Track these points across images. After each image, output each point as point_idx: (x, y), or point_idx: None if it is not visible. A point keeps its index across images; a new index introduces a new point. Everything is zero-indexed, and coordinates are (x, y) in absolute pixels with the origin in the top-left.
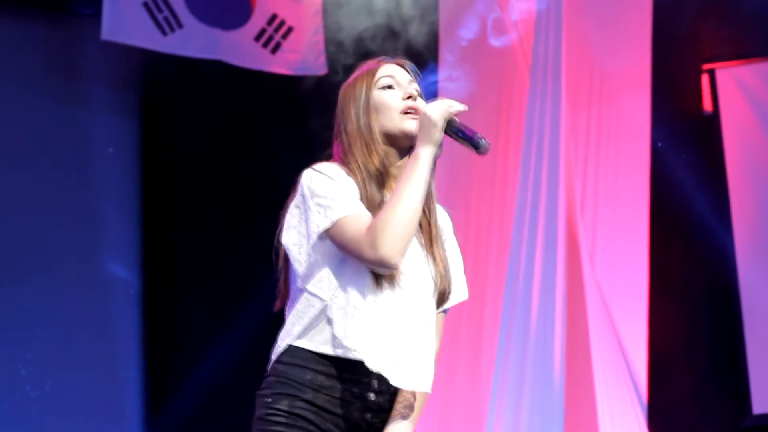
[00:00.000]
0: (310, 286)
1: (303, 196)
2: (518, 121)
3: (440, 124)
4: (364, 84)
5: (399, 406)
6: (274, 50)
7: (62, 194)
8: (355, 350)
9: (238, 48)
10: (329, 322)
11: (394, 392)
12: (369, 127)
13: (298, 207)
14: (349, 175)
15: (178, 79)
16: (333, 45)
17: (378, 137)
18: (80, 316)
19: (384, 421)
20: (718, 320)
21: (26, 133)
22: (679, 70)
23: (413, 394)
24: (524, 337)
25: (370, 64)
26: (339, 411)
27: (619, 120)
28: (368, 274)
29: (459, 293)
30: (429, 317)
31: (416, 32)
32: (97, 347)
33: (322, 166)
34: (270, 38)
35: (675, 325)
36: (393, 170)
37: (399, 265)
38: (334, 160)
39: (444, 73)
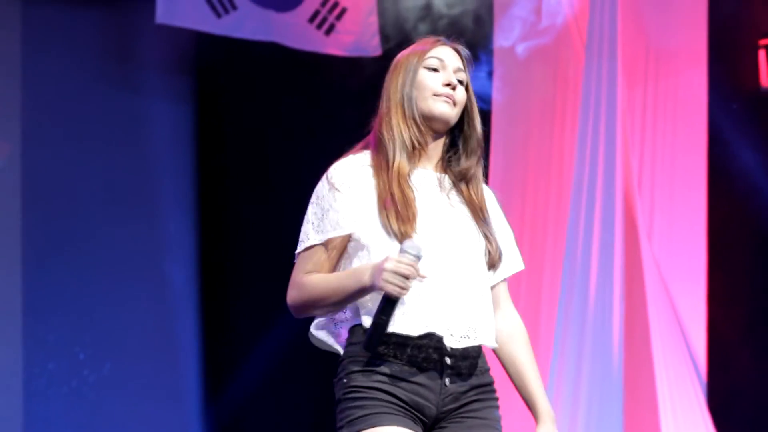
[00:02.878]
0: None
1: (311, 200)
2: (574, 98)
3: (376, 286)
4: (415, 59)
5: (529, 374)
6: (328, 32)
7: (118, 180)
8: (409, 323)
9: (292, 30)
10: (369, 300)
11: (474, 355)
12: (411, 99)
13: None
14: (370, 160)
15: (232, 61)
16: (388, 27)
17: (416, 112)
18: (137, 300)
19: (467, 386)
20: None
21: (82, 119)
22: (736, 45)
23: (534, 364)
24: (582, 316)
25: (426, 41)
26: (418, 380)
27: (676, 97)
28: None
29: (514, 263)
30: (480, 278)
31: (471, 11)
32: (154, 331)
33: (340, 169)
34: (324, 19)
35: (734, 305)
36: (425, 148)
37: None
38: (367, 139)
39: (500, 54)
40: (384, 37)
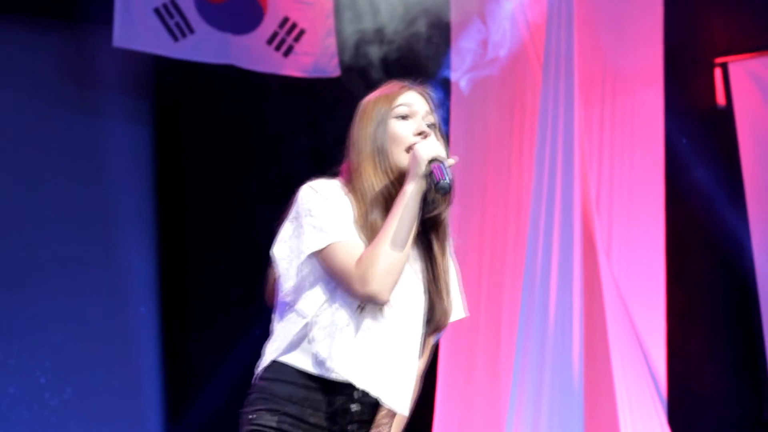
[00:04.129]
0: (296, 302)
1: (298, 212)
2: (532, 119)
3: (423, 163)
4: (384, 109)
5: (380, 422)
6: (286, 53)
7: (77, 202)
8: (337, 371)
9: (250, 52)
10: (311, 340)
11: (375, 404)
12: (382, 152)
13: (291, 222)
14: (348, 194)
15: (190, 84)
16: (345, 47)
17: (389, 165)
18: (98, 324)
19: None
20: (736, 314)
21: (40, 141)
22: (692, 64)
23: (391, 418)
24: (542, 335)
25: (392, 87)
26: (322, 423)
27: (633, 115)
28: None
29: (456, 313)
30: (416, 341)
31: (427, 33)
32: (115, 354)
33: (320, 184)
34: (282, 41)
35: (693, 320)
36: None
37: (387, 300)
38: (340, 177)
39: (457, 74)
40: (341, 57)
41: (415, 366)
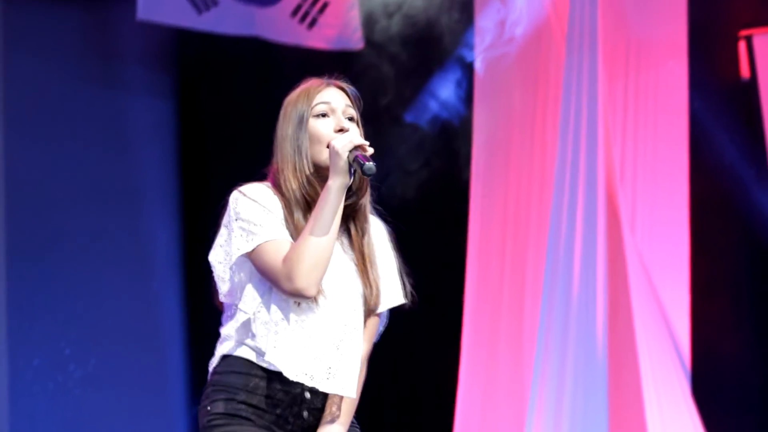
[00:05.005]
0: (235, 302)
1: (229, 217)
2: (556, 91)
3: (344, 155)
4: (303, 109)
5: (330, 408)
6: (310, 25)
7: (101, 175)
8: (277, 364)
9: (275, 24)
10: (253, 336)
11: (325, 395)
12: (301, 153)
13: (225, 227)
14: (276, 195)
15: (213, 58)
16: (366, 21)
17: (308, 164)
18: (122, 296)
19: (320, 420)
20: (760, 285)
21: (63, 114)
22: (716, 36)
23: (339, 403)
24: (566, 307)
25: (310, 84)
26: (276, 410)
27: (657, 88)
28: None
29: (394, 298)
30: (356, 326)
31: (449, 10)
32: (139, 326)
33: (249, 188)
34: (306, 13)
35: (717, 291)
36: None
37: (314, 294)
38: (268, 179)
39: (480, 47)
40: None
41: (358, 350)
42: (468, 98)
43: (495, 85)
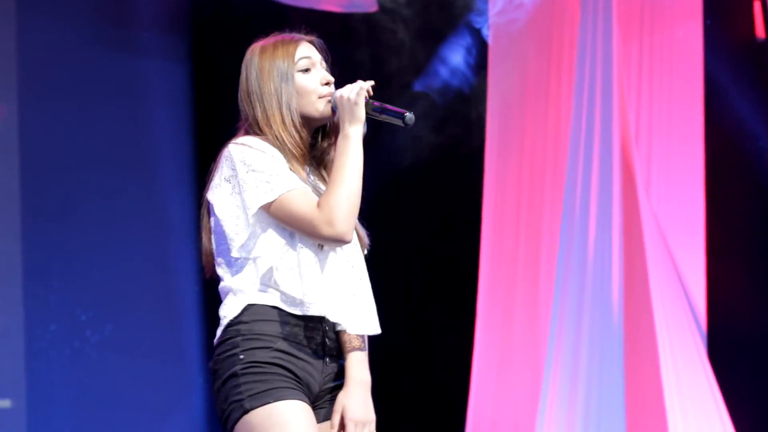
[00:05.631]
0: (253, 254)
1: (234, 170)
2: (570, 52)
3: (361, 102)
4: (285, 64)
5: (353, 343)
6: None
7: (116, 141)
8: (314, 305)
9: None
10: (276, 283)
11: (338, 339)
12: (290, 107)
13: (228, 181)
14: (274, 146)
15: (227, 21)
16: None
17: (297, 118)
18: (138, 262)
19: (338, 366)
20: None
21: (78, 80)
22: None
23: (359, 336)
24: (582, 271)
25: (284, 38)
26: (307, 358)
27: (671, 48)
28: None
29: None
30: (362, 266)
31: None
32: (155, 291)
33: (249, 139)
34: None
35: (733, 255)
36: (305, 147)
37: (350, 240)
38: (251, 133)
39: (495, 8)
40: None
41: (369, 288)
42: (477, 65)
43: (509, 49)
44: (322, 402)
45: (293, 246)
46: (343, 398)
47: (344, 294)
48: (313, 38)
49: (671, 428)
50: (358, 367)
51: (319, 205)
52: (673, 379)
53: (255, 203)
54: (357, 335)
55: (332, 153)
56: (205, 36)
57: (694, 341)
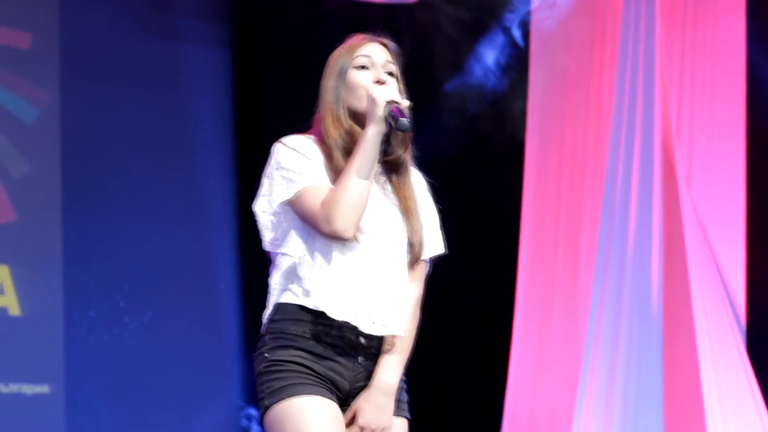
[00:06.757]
0: (281, 249)
1: (271, 167)
2: (612, 43)
3: (381, 104)
4: (345, 61)
5: (385, 345)
6: None
7: (157, 128)
8: (320, 304)
9: None
10: (301, 279)
11: (381, 337)
12: (339, 102)
13: (267, 177)
14: (318, 144)
15: (269, 7)
16: None
17: (345, 113)
18: (177, 248)
19: (374, 365)
20: None
21: (119, 66)
22: None
23: (393, 338)
24: (621, 262)
25: (354, 39)
26: (334, 356)
27: (714, 41)
28: None
29: (435, 247)
30: (399, 267)
31: None
32: (194, 278)
33: (290, 138)
34: None
35: None
36: (354, 142)
37: (352, 236)
38: (310, 131)
39: (533, 4)
40: None
41: (402, 290)
42: (508, 64)
43: (549, 43)
44: (354, 400)
45: (314, 242)
46: (360, 401)
47: (356, 292)
48: (385, 40)
49: (710, 427)
50: (383, 371)
51: (322, 202)
52: (713, 377)
53: (276, 199)
54: (391, 338)
55: (406, 159)
56: (247, 23)
57: (734, 338)
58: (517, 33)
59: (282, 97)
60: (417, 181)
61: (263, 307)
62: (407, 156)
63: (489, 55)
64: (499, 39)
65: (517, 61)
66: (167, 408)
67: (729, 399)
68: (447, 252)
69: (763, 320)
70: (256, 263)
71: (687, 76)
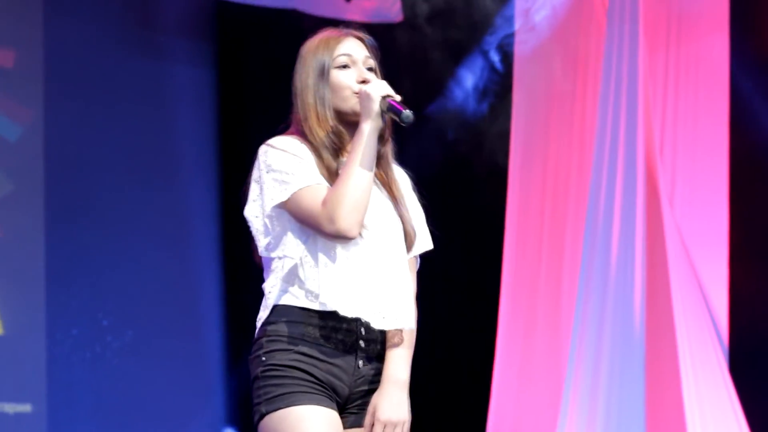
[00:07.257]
0: (277, 252)
1: (260, 170)
2: (596, 63)
3: (376, 98)
4: (324, 60)
5: (393, 340)
6: None
7: (140, 145)
8: (330, 303)
9: None
10: (303, 280)
11: (382, 340)
12: (324, 103)
13: (256, 182)
14: (303, 143)
15: (253, 27)
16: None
17: (331, 114)
18: (160, 267)
19: (376, 369)
20: None
21: (104, 84)
22: (759, 9)
23: (400, 333)
24: (604, 280)
25: (329, 34)
26: (333, 360)
27: (698, 60)
28: None
29: (424, 243)
30: (401, 259)
31: None
32: (177, 297)
33: (277, 140)
34: None
35: (756, 268)
36: (345, 141)
37: (356, 235)
38: (291, 130)
39: (520, 21)
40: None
41: (407, 283)
42: (486, 87)
43: (533, 62)
44: (352, 406)
45: (314, 242)
46: (375, 397)
47: (365, 288)
48: (361, 34)
49: None
50: (394, 366)
51: (323, 201)
52: (695, 394)
53: (269, 203)
54: (397, 332)
55: (387, 153)
56: (231, 41)
57: (717, 356)
58: (495, 57)
59: (265, 115)
60: (400, 175)
61: (247, 326)
62: (387, 149)
63: (467, 78)
64: (478, 63)
65: (496, 85)
66: (149, 427)
67: (711, 417)
68: (431, 260)
69: (746, 338)
70: (239, 283)
71: (670, 95)
